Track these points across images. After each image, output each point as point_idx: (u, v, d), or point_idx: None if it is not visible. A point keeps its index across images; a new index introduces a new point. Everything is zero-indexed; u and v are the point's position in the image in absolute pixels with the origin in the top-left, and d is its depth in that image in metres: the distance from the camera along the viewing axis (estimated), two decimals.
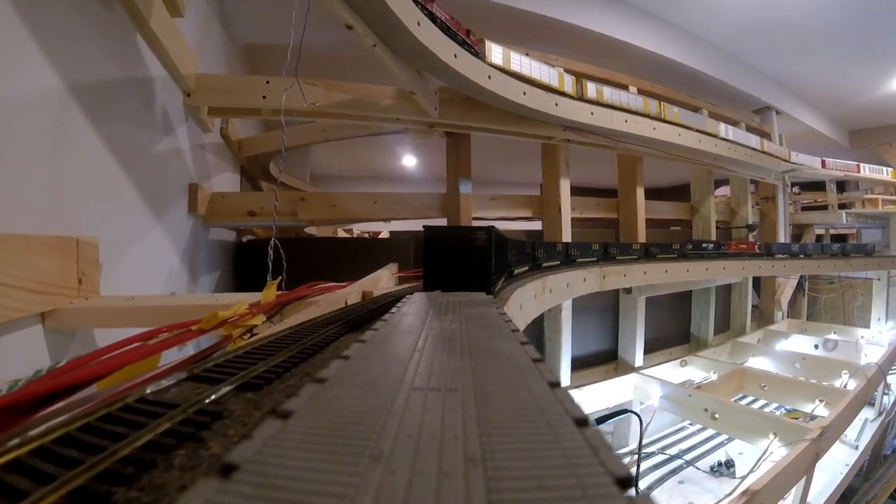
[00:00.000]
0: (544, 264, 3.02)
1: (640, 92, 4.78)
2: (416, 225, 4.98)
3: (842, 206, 8.51)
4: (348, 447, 0.31)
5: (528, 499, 0.25)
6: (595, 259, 3.98)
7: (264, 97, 3.22)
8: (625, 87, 4.65)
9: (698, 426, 5.06)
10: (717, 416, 4.22)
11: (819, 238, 8.79)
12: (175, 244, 3.36)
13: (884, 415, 5.60)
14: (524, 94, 3.35)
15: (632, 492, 0.25)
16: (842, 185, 9.44)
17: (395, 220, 4.01)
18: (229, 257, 4.61)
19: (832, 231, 9.54)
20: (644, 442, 4.18)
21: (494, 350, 0.60)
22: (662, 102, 4.65)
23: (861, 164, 7.67)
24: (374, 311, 1.30)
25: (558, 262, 3.41)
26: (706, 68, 5.73)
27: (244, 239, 5.06)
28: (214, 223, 3.85)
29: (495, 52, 3.18)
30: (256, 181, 5.66)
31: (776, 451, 3.70)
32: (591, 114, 3.92)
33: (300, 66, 3.09)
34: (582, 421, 0.35)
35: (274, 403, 0.58)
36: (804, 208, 9.26)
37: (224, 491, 0.25)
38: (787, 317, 7.92)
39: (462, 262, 1.46)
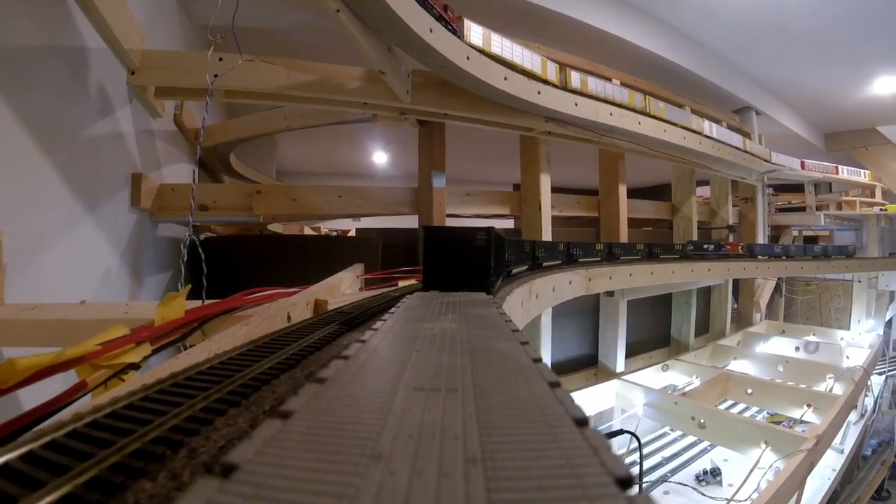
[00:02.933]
0: (545, 264, 2.95)
1: (624, 86, 4.56)
2: (386, 222, 4.71)
3: (817, 208, 8.51)
4: (348, 447, 0.30)
5: (528, 499, 0.25)
6: (599, 259, 3.89)
7: (216, 76, 2.88)
8: (608, 80, 4.42)
9: (679, 432, 4.87)
10: (704, 424, 4.01)
11: (792, 240, 8.79)
12: (112, 241, 2.98)
13: (865, 417, 5.52)
14: (505, 79, 3.07)
15: (632, 492, 0.25)
16: (815, 188, 9.46)
17: (361, 216, 3.68)
18: (183, 256, 4.22)
19: (805, 233, 9.57)
20: (628, 451, 3.97)
21: (494, 350, 0.59)
22: (648, 97, 4.44)
23: (839, 167, 7.65)
24: (322, 339, 0.98)
25: (560, 262, 3.32)
26: (691, 65, 5.56)
27: (202, 236, 4.67)
28: (162, 218, 3.47)
29: (475, 32, 2.89)
30: (216, 174, 5.27)
31: (766, 460, 3.53)
32: (576, 104, 3.67)
33: (263, 48, 2.79)
34: (582, 421, 0.34)
35: None
36: (778, 210, 9.25)
37: (224, 491, 0.25)
38: (765, 318, 7.86)
39: (462, 262, 1.46)
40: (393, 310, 0.92)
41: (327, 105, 2.97)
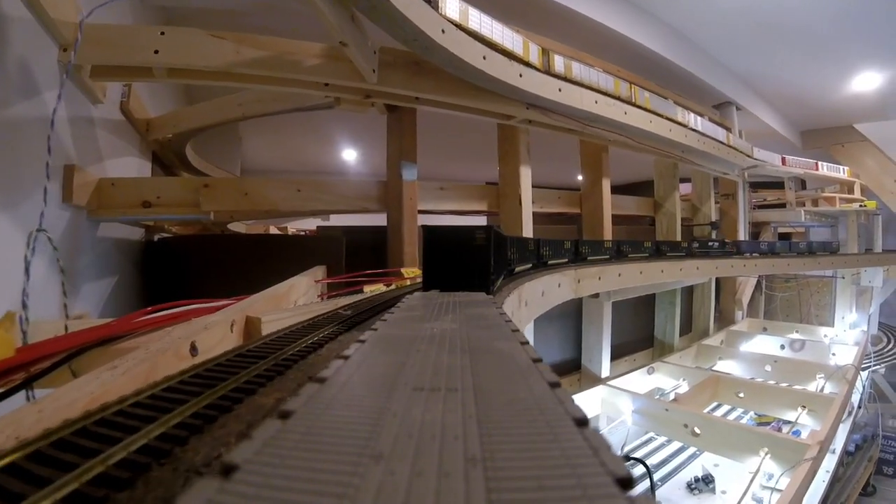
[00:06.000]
0: (550, 262, 2.92)
1: (608, 74, 4.32)
2: (356, 221, 4.37)
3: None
4: (348, 447, 0.30)
5: (528, 499, 0.25)
6: (608, 257, 3.85)
7: (157, 52, 2.52)
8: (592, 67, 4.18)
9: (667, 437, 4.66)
10: (698, 432, 3.78)
11: (771, 236, 8.75)
12: (38, 242, 2.58)
13: (853, 414, 5.41)
14: (484, 58, 2.77)
15: (632, 492, 0.24)
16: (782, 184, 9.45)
17: (324, 212, 3.32)
18: (133, 260, 3.81)
19: (780, 229, 9.55)
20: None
21: (494, 350, 0.58)
22: (634, 86, 4.20)
23: (819, 163, 7.60)
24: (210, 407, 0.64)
25: (566, 260, 3.29)
26: (674, 57, 5.37)
27: (156, 237, 4.25)
28: (103, 216, 3.07)
29: (451, 4, 2.59)
30: (173, 170, 4.84)
31: (766, 468, 3.32)
32: (559, 90, 3.40)
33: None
34: (582, 421, 0.34)
35: None
36: (755, 206, 9.21)
37: (224, 491, 0.24)
38: (746, 316, 7.76)
39: (461, 261, 1.47)
40: (393, 309, 0.90)
41: (283, 86, 2.62)
